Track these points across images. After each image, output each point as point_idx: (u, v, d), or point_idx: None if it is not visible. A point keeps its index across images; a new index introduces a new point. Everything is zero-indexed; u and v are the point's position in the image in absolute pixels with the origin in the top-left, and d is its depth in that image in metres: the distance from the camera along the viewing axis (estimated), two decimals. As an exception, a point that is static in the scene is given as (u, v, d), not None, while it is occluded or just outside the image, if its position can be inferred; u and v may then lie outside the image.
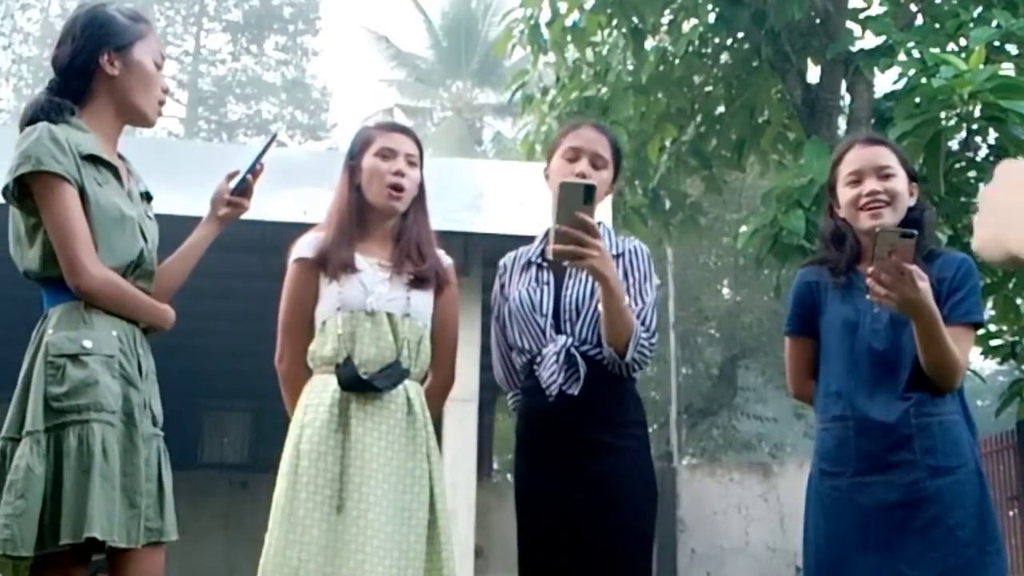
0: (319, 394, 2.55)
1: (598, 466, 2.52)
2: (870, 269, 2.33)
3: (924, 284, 2.34)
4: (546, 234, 2.75)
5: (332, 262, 2.60)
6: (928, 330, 2.41)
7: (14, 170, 2.21)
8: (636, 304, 2.59)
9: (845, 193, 2.66)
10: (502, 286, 2.80)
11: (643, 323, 2.56)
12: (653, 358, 2.64)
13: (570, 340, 2.57)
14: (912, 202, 2.65)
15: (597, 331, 2.56)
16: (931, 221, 2.74)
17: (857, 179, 2.64)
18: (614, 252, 2.62)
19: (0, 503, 2.09)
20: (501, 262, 2.84)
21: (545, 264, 2.70)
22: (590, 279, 2.58)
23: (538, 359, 2.60)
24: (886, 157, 2.65)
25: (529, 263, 2.75)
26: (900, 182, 2.63)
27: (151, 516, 2.25)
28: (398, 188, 2.66)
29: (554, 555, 2.52)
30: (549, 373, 2.55)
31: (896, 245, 2.28)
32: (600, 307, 2.50)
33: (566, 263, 2.50)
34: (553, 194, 2.62)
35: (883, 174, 2.62)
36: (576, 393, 2.53)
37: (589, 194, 2.38)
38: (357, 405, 2.52)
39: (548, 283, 2.67)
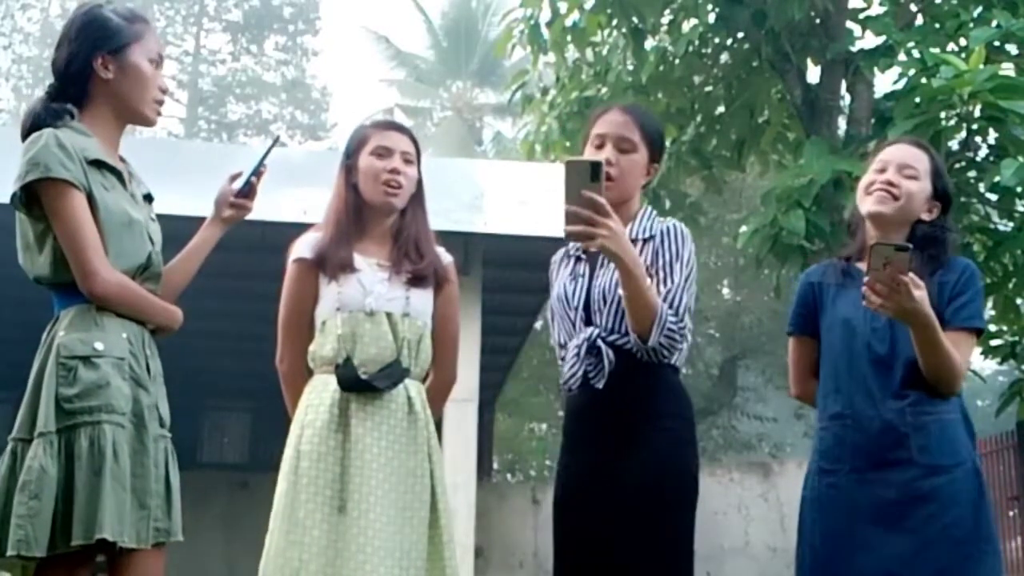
0: (319, 394, 2.55)
1: (628, 461, 2.39)
2: (866, 279, 2.34)
3: (920, 292, 2.33)
4: None
5: (331, 262, 2.60)
6: (925, 335, 2.41)
7: (23, 177, 2.21)
8: (663, 285, 2.44)
9: (864, 179, 2.68)
10: (550, 284, 2.72)
11: (670, 305, 2.41)
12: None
13: (596, 331, 2.46)
14: (928, 218, 2.62)
15: (624, 319, 2.43)
16: (954, 242, 2.71)
17: (881, 168, 2.64)
18: (647, 235, 2.52)
19: (13, 503, 2.09)
20: (552, 259, 2.74)
21: (584, 257, 2.60)
22: None
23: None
24: (916, 159, 2.63)
25: (570, 257, 2.66)
26: (918, 187, 2.60)
27: (159, 516, 2.26)
28: (394, 186, 2.65)
29: (584, 556, 2.41)
30: (568, 367, 2.48)
31: (891, 258, 2.30)
32: (620, 290, 2.39)
33: (586, 245, 2.40)
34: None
35: (905, 173, 2.61)
36: (600, 386, 2.42)
37: (595, 171, 2.23)
38: (357, 405, 2.52)
39: (583, 275, 2.56)
